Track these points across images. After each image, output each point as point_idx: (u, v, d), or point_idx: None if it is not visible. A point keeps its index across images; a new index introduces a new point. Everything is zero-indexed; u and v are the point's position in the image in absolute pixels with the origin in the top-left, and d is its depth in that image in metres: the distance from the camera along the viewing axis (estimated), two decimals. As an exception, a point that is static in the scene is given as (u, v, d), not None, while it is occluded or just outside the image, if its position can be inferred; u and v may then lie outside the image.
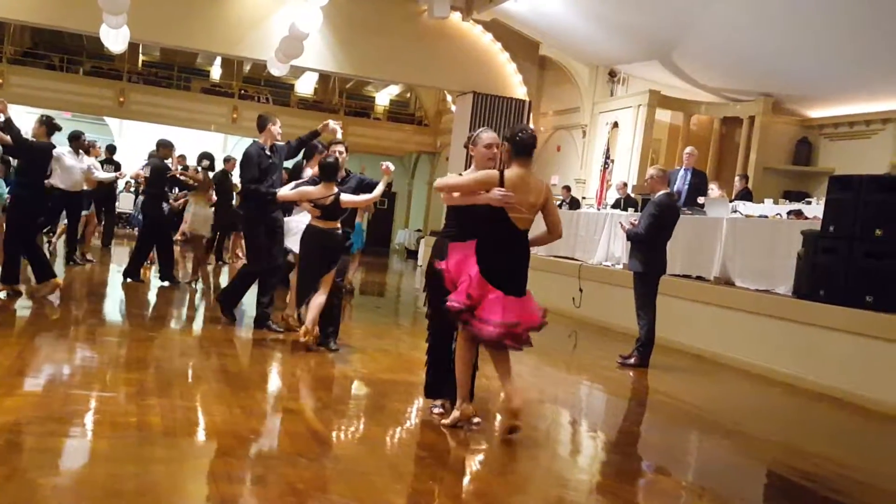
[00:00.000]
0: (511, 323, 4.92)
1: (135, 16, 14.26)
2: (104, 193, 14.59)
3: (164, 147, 11.44)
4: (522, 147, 5.20)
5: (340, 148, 7.72)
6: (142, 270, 11.39)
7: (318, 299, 7.36)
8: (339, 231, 7.44)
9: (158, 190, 11.23)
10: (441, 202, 5.50)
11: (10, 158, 10.64)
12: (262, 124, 8.44)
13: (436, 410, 5.50)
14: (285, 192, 7.63)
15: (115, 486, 3.67)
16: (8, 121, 8.52)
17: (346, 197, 7.33)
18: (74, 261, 12.42)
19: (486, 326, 4.90)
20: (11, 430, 4.27)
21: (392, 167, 7.45)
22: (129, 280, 10.98)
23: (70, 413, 4.76)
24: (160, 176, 11.20)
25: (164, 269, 11.25)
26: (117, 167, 16.63)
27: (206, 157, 12.40)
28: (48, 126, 8.84)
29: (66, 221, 12.59)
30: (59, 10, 15.98)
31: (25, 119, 10.51)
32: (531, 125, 20.07)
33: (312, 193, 7.32)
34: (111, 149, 17.26)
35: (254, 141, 8.54)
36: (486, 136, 5.34)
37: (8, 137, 8.38)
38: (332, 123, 8.47)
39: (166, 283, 11.07)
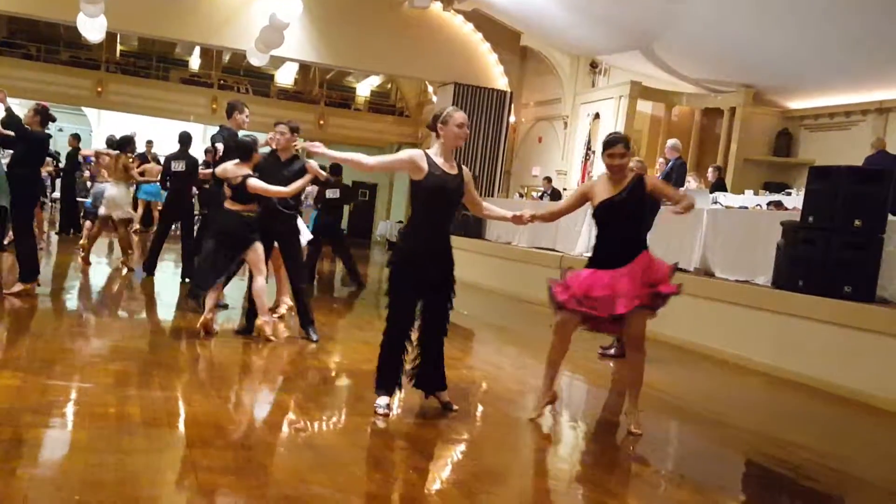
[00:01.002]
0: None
1: (112, 5, 14.16)
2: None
3: (185, 143, 11.25)
4: None
5: (282, 128, 7.42)
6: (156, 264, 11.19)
7: (258, 283, 7.18)
8: (251, 215, 7.14)
9: (188, 186, 11.12)
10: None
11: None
12: (230, 111, 8.38)
13: (381, 411, 5.14)
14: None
15: (95, 476, 3.65)
16: (9, 111, 8.34)
17: (252, 182, 7.02)
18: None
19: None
20: (-12, 422, 4.24)
21: (315, 167, 7.15)
22: (146, 275, 10.81)
23: (48, 404, 4.73)
24: (192, 173, 11.08)
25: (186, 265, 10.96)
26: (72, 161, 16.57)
27: (125, 140, 12.15)
28: (43, 115, 8.65)
29: None
30: (35, 0, 15.82)
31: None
32: (513, 117, 20.14)
33: (227, 171, 7.16)
34: (76, 137, 17.08)
35: (222, 126, 8.46)
36: (460, 115, 5.17)
37: (10, 132, 8.18)
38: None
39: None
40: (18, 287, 8.26)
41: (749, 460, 5.57)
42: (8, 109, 8.34)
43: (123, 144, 11.91)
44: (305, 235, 9.50)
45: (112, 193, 11.62)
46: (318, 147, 5.23)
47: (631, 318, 5.19)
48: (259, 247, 7.23)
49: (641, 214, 5.42)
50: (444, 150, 5.15)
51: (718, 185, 12.97)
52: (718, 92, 16.83)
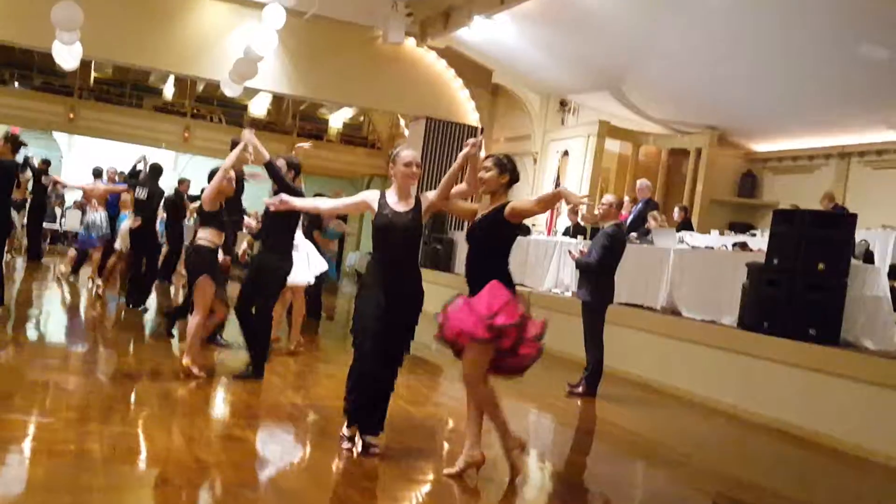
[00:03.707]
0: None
1: (88, 33, 14.11)
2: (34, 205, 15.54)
3: (155, 174, 11.44)
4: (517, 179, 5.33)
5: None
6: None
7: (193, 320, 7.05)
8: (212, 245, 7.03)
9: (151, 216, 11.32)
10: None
11: None
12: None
13: (346, 445, 5.14)
14: None
15: (51, 516, 3.59)
16: None
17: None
18: None
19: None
20: (-56, 457, 4.15)
21: (249, 136, 7.03)
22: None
23: (5, 440, 4.64)
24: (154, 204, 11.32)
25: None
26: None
27: (135, 173, 12.26)
28: (13, 143, 8.51)
29: None
30: (11, 26, 15.73)
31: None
32: (483, 152, 20.26)
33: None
34: (46, 162, 17.19)
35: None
36: (407, 154, 5.28)
37: None
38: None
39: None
40: None
41: (714, 503, 5.58)
42: None
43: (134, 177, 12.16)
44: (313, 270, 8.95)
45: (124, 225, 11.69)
46: (282, 202, 5.57)
47: (466, 351, 4.97)
48: (203, 282, 6.93)
49: (493, 243, 5.12)
50: (398, 188, 5.29)
51: (685, 225, 13.11)
52: (684, 133, 17.04)
